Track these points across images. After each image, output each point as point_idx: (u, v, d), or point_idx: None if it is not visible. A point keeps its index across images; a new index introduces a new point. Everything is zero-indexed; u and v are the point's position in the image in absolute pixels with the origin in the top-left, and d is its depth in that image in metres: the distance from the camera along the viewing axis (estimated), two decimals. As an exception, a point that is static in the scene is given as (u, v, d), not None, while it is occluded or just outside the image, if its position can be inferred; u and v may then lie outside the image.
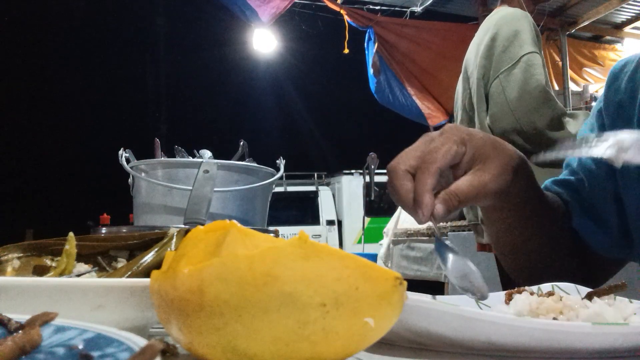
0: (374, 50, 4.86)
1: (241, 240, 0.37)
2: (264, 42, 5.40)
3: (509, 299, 0.55)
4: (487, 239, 1.92)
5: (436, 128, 5.48)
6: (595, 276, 0.82)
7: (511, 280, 0.88)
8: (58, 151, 19.73)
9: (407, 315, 0.42)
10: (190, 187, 0.98)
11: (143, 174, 1.05)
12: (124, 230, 0.84)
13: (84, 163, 19.52)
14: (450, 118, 5.14)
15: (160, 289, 0.34)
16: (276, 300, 0.30)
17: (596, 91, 4.97)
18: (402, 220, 4.27)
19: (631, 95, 0.79)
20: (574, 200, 0.83)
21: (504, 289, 0.61)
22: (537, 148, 1.66)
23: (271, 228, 1.02)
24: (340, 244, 10.53)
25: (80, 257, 0.60)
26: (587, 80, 5.40)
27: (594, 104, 4.70)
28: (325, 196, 11.15)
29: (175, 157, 1.08)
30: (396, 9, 5.13)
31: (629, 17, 5.28)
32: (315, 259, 0.31)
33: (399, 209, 4.42)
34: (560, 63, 5.18)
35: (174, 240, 0.62)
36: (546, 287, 0.62)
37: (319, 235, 10.46)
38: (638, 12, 5.13)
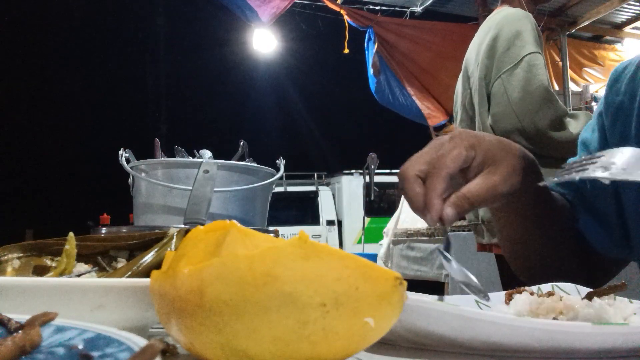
0: (374, 50, 4.86)
1: (241, 240, 0.37)
2: (264, 42, 5.40)
3: (509, 299, 0.55)
4: (487, 239, 1.91)
5: (436, 128, 5.49)
6: (598, 276, 0.83)
7: (511, 280, 0.88)
8: (58, 151, 19.73)
9: (407, 315, 0.42)
10: (190, 187, 0.98)
11: (143, 174, 1.05)
12: (124, 230, 0.84)
13: (84, 163, 19.52)
14: (450, 118, 5.14)
15: (160, 289, 0.34)
16: (276, 300, 0.30)
17: (596, 91, 4.98)
18: (402, 220, 4.27)
19: (631, 97, 0.79)
20: (576, 200, 0.84)
21: (504, 289, 0.62)
22: (539, 148, 1.66)
23: (271, 228, 1.02)
24: (340, 244, 10.53)
25: (80, 257, 0.60)
26: (587, 80, 5.40)
27: (594, 104, 4.66)
28: (325, 196, 11.14)
29: (175, 157, 1.08)
30: (396, 9, 5.13)
31: (629, 17, 5.28)
32: (315, 259, 0.31)
33: (399, 209, 4.42)
34: (560, 63, 5.18)
35: (174, 240, 0.62)
36: (546, 287, 0.62)
37: (319, 235, 10.46)
38: (638, 12, 5.13)
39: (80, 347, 0.28)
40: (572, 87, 5.10)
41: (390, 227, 4.32)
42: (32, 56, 21.29)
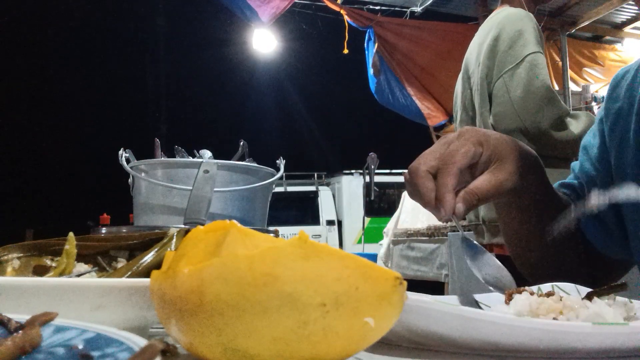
0: (374, 51, 4.86)
1: (241, 240, 0.37)
2: (264, 42, 5.40)
3: (509, 299, 0.55)
4: (487, 239, 1.91)
5: (436, 128, 5.50)
6: (600, 276, 0.84)
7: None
8: (58, 151, 19.73)
9: (407, 315, 0.42)
10: (190, 187, 0.98)
11: (143, 174, 1.05)
12: (124, 230, 0.84)
13: (84, 163, 19.53)
14: (450, 118, 5.15)
15: (160, 289, 0.34)
16: (276, 300, 0.30)
17: (596, 91, 4.98)
18: (402, 220, 4.27)
19: (629, 103, 0.80)
20: (578, 202, 0.85)
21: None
22: (540, 147, 1.66)
23: (271, 228, 1.02)
24: (340, 244, 10.53)
25: (80, 257, 0.60)
26: (587, 80, 5.40)
27: (594, 104, 4.67)
28: (325, 196, 11.15)
29: (175, 157, 1.08)
30: (396, 9, 5.13)
31: (629, 17, 5.28)
32: (315, 259, 0.31)
33: (399, 209, 4.42)
34: (560, 63, 5.18)
35: (174, 240, 0.62)
36: (546, 287, 0.62)
37: (319, 235, 10.46)
38: (638, 12, 5.13)
39: (80, 347, 0.28)
40: (572, 87, 5.10)
41: (390, 227, 4.32)
42: (32, 56, 21.30)
